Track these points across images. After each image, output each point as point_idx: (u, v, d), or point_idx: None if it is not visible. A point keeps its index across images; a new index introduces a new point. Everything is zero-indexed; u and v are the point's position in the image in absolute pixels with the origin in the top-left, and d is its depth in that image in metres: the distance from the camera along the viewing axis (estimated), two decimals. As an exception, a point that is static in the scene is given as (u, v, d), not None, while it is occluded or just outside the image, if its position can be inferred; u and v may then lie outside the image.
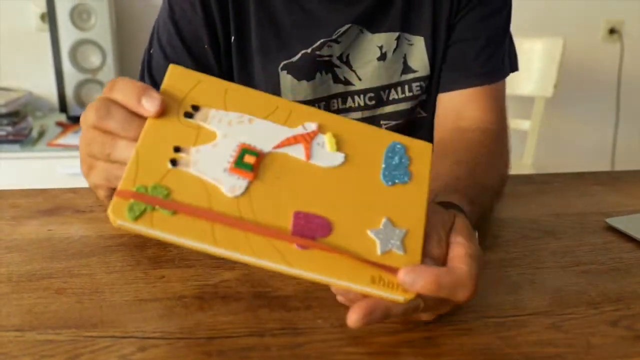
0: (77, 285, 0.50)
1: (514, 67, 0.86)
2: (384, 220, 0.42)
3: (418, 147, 0.46)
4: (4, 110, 1.64)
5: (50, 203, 0.67)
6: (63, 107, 1.82)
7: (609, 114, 2.42)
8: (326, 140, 0.44)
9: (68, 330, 0.44)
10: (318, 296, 0.49)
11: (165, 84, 0.43)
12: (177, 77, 0.43)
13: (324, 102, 0.81)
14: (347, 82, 0.81)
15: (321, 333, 0.45)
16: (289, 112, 0.44)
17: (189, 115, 0.42)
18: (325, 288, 0.45)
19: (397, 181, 0.44)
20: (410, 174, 0.45)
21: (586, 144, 2.44)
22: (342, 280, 0.39)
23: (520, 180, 0.81)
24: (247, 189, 0.40)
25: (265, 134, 0.43)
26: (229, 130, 0.42)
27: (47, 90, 1.93)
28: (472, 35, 0.81)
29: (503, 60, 0.84)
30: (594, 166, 2.37)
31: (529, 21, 1.98)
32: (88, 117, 0.43)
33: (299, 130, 0.44)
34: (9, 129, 1.64)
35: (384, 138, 0.46)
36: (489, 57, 0.81)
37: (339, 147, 0.44)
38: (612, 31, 2.33)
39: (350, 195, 0.42)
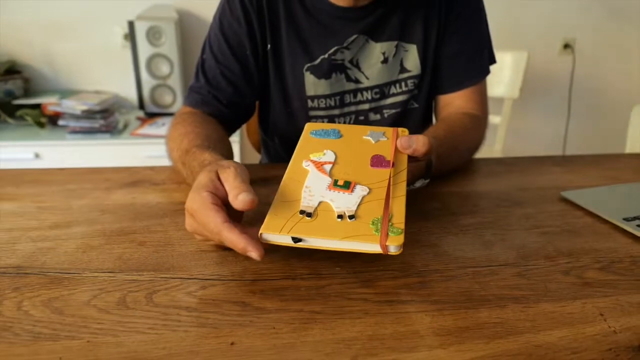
0: (154, 239, 0.51)
1: (492, 61, 0.85)
2: (369, 132, 0.54)
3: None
4: (98, 108, 1.65)
5: (133, 177, 0.67)
6: (141, 105, 1.83)
7: (562, 112, 2.36)
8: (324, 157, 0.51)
9: (148, 273, 0.45)
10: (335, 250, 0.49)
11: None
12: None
13: (339, 97, 0.80)
14: (357, 81, 0.80)
15: (339, 277, 0.45)
16: (308, 157, 0.51)
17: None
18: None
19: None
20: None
21: (544, 135, 2.39)
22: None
23: (494, 162, 0.79)
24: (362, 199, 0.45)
25: (319, 182, 0.47)
26: (313, 199, 0.45)
27: (129, 92, 1.94)
28: (459, 50, 0.81)
29: (484, 62, 0.83)
30: (549, 153, 2.32)
31: (501, 37, 1.91)
32: (210, 238, 0.45)
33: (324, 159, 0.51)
34: (102, 122, 1.65)
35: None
36: (474, 65, 0.82)
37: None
38: (566, 46, 2.26)
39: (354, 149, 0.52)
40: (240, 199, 0.42)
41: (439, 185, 0.67)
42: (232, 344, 0.36)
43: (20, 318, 0.38)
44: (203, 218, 0.43)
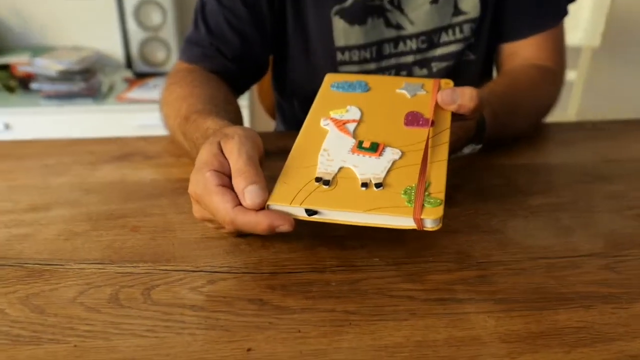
0: (150, 224, 0.51)
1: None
2: (404, 84, 0.54)
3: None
4: (76, 68, 1.67)
5: (123, 150, 0.68)
6: (129, 64, 1.84)
7: (657, 64, 2.28)
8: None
9: (144, 264, 0.45)
10: (373, 236, 0.48)
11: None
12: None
13: (375, 47, 0.78)
14: (399, 27, 0.78)
15: (378, 270, 0.44)
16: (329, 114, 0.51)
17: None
18: (380, 229, 0.44)
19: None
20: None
21: (632, 94, 2.31)
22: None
23: (570, 128, 0.77)
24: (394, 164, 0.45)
25: (340, 143, 0.47)
26: (332, 164, 0.45)
27: (114, 48, 1.95)
28: None
29: (561, 0, 0.80)
30: None
31: (578, -30, 1.86)
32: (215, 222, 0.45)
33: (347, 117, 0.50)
34: (82, 84, 1.68)
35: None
36: (548, 4, 0.79)
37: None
38: (664, -22, 2.16)
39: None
40: (248, 196, 0.41)
41: (500, 155, 0.66)
42: (248, 350, 0.36)
43: (-5, 317, 0.39)
44: (210, 204, 0.43)
